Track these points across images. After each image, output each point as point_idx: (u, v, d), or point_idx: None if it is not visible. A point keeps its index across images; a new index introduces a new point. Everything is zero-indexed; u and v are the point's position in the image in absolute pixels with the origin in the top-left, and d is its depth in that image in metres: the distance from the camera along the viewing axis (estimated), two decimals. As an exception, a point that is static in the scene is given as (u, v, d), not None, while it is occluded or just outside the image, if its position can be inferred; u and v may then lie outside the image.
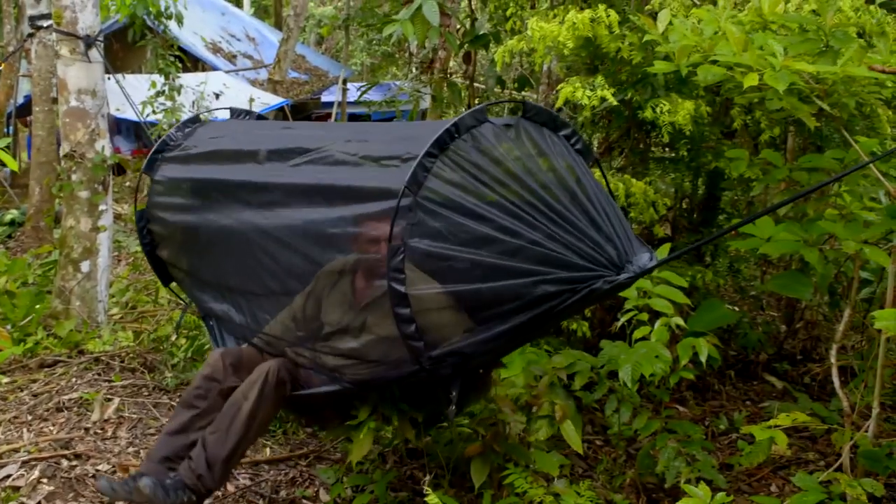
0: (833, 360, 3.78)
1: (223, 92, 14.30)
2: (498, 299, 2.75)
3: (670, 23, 3.37)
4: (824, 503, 3.26)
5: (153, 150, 4.01)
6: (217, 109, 4.51)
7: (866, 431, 3.57)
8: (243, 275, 3.55)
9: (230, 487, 4.02)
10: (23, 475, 3.90)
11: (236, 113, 4.36)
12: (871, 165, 3.37)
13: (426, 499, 2.53)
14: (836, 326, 4.21)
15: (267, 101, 15.31)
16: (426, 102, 7.68)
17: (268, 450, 4.46)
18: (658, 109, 4.65)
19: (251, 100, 14.07)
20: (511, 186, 2.81)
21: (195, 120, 4.19)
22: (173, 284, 4.23)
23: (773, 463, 4.60)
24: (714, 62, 3.21)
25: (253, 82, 17.37)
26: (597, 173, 3.27)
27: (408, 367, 2.92)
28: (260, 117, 4.46)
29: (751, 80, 2.99)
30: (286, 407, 3.55)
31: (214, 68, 17.10)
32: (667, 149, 6.19)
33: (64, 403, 4.77)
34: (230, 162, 3.66)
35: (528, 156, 2.96)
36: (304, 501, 4.00)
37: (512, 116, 3.14)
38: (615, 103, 4.70)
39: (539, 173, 2.90)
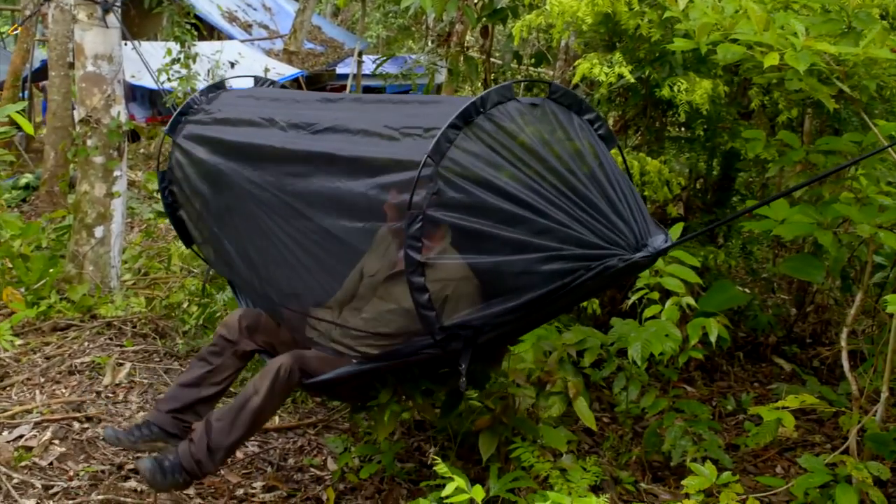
0: (843, 343, 3.77)
1: (238, 61, 14.25)
2: (512, 273, 2.77)
3: (691, 0, 3.34)
4: (830, 485, 3.27)
5: (177, 111, 4.02)
6: (239, 77, 4.52)
7: (874, 416, 3.57)
8: (261, 240, 3.58)
9: (239, 454, 4.06)
10: (35, 436, 3.95)
11: (260, 81, 4.39)
12: (889, 149, 3.34)
13: (435, 468, 2.54)
14: (847, 310, 4.21)
15: (282, 71, 15.26)
16: (442, 76, 7.64)
17: (276, 418, 4.49)
18: (675, 88, 4.62)
19: (266, 70, 14.02)
20: (532, 164, 2.82)
21: (219, 86, 4.21)
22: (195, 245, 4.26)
23: (779, 444, 4.61)
24: (734, 41, 3.18)
25: (268, 52, 17.32)
26: (617, 157, 3.28)
27: (419, 342, 2.96)
28: (283, 87, 4.47)
29: (771, 60, 2.97)
30: (307, 391, 3.59)
31: (230, 37, 17.04)
32: (683, 128, 6.15)
33: (76, 367, 4.82)
34: (252, 127, 3.67)
35: (552, 135, 2.97)
36: (312, 469, 4.04)
37: (538, 97, 3.15)
38: (632, 81, 4.67)
39: (561, 153, 2.91)
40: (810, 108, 5.11)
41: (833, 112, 4.17)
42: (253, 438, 4.23)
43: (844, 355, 3.76)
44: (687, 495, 3.25)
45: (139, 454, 3.59)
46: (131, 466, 3.78)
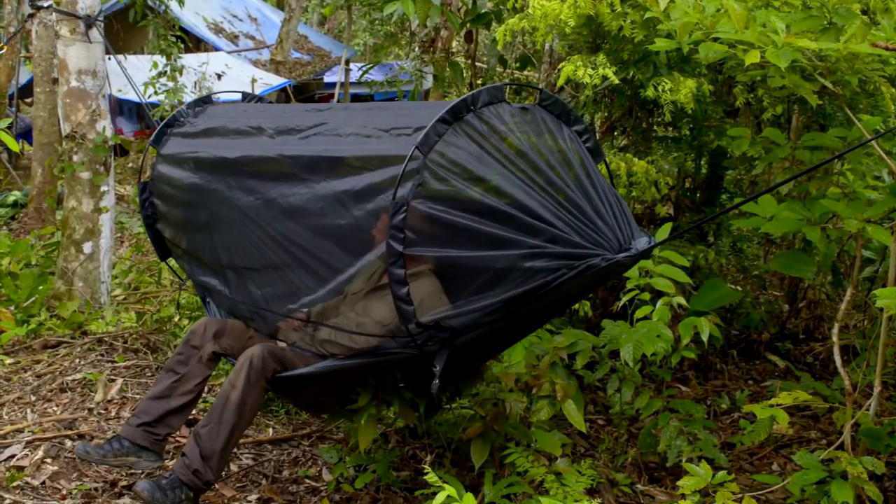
0: (835, 339, 3.77)
1: (225, 72, 14.25)
2: (493, 268, 2.78)
3: (672, 0, 3.34)
4: (825, 481, 3.27)
5: (162, 123, 4.03)
6: (227, 92, 4.53)
7: (868, 410, 3.57)
8: (243, 249, 3.59)
9: (233, 467, 4.04)
10: (27, 455, 3.92)
11: (247, 97, 4.39)
12: (874, 143, 3.35)
13: (425, 477, 2.53)
14: (839, 305, 4.21)
15: (269, 81, 15.26)
16: (428, 82, 7.64)
17: (270, 430, 4.47)
18: (660, 88, 4.62)
19: (253, 80, 14.03)
20: (519, 163, 2.84)
21: (206, 99, 4.21)
22: (171, 260, 4.26)
23: (774, 442, 4.61)
24: (716, 39, 3.18)
25: (255, 63, 17.31)
26: (602, 169, 3.30)
27: (397, 341, 2.99)
28: (271, 104, 4.50)
29: (752, 58, 2.97)
30: (281, 392, 3.59)
31: (216, 49, 17.02)
32: (669, 128, 6.17)
33: (67, 384, 4.78)
34: (239, 135, 3.67)
35: (540, 139, 3.01)
36: (307, 481, 4.01)
37: (527, 102, 3.18)
38: (617, 82, 4.68)
39: (548, 156, 2.93)
40: (795, 104, 5.12)
41: (818, 108, 4.18)
42: (247, 451, 4.22)
43: (836, 350, 3.76)
44: (683, 496, 3.24)
45: (135, 474, 3.62)
46: (125, 483, 3.76)
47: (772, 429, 3.77)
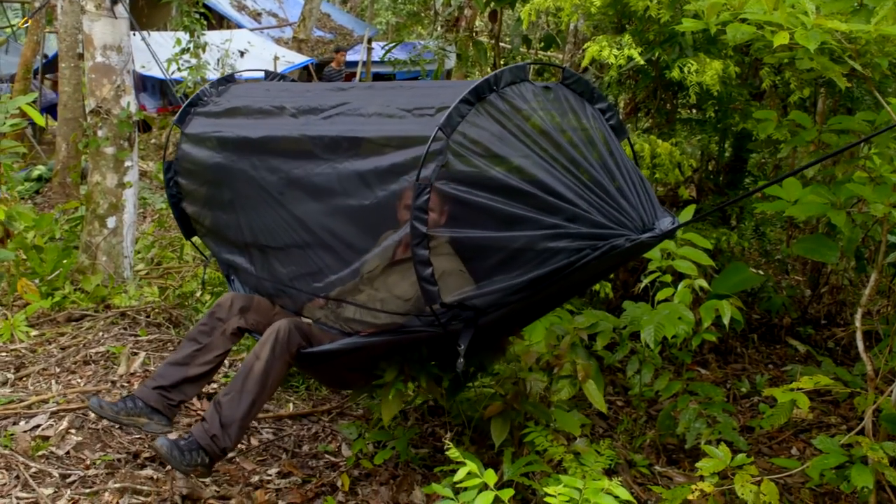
0: (858, 324, 3.75)
1: (248, 50, 14.27)
2: (517, 248, 2.78)
3: (700, -20, 3.31)
4: (845, 466, 3.26)
5: (186, 102, 4.04)
6: (250, 70, 4.52)
7: (890, 396, 3.55)
8: (267, 228, 3.60)
9: (253, 441, 4.08)
10: (52, 425, 3.98)
11: (270, 75, 4.39)
12: (902, 127, 3.31)
13: (447, 452, 2.55)
14: (862, 291, 4.18)
15: (291, 59, 15.26)
16: (451, 62, 7.62)
17: (291, 405, 4.51)
18: (685, 69, 4.59)
19: (276, 58, 14.03)
20: (542, 143, 2.83)
21: (230, 78, 4.21)
22: (195, 238, 4.28)
23: (794, 426, 4.59)
24: (744, 20, 3.15)
25: (278, 41, 17.31)
26: (627, 149, 3.28)
27: (422, 320, 2.99)
28: (293, 81, 4.50)
29: (781, 39, 2.94)
30: (305, 368, 3.60)
31: (239, 26, 17.04)
32: (694, 110, 6.12)
33: (91, 357, 4.84)
34: (263, 115, 3.68)
35: (563, 119, 2.99)
36: (327, 456, 4.05)
37: (550, 81, 3.16)
38: (642, 63, 4.65)
39: (572, 136, 2.92)
40: (822, 87, 5.07)
41: (846, 91, 4.13)
42: (267, 426, 4.26)
43: (859, 336, 3.73)
44: (701, 478, 3.24)
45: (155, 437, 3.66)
46: (147, 454, 3.81)
47: (792, 413, 3.75)
